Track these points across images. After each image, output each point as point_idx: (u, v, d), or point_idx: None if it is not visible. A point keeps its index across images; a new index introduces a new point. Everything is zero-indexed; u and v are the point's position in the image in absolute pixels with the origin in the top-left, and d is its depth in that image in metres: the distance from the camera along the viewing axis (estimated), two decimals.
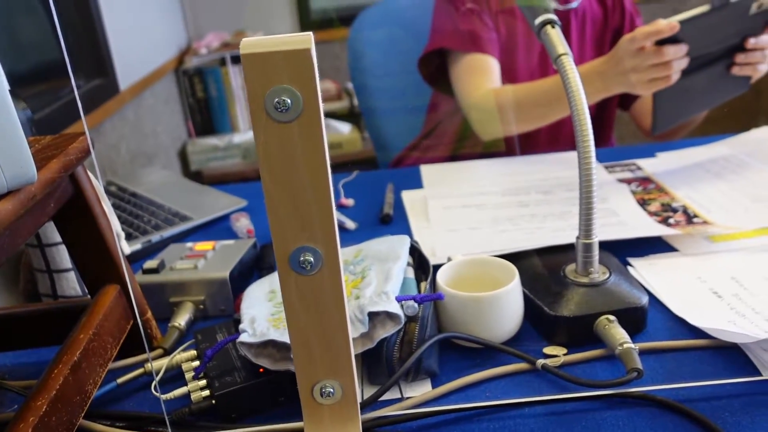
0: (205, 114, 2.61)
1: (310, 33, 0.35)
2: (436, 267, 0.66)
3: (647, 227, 0.80)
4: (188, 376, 0.58)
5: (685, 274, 0.71)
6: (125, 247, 0.81)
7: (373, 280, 0.59)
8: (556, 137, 1.23)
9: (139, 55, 2.07)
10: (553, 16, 0.67)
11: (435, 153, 1.30)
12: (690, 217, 0.84)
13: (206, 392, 0.56)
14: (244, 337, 0.54)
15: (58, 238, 0.74)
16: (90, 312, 0.56)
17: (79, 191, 0.58)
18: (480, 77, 1.13)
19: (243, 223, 0.93)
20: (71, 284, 0.76)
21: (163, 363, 0.61)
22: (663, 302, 0.67)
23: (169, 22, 2.48)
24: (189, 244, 0.82)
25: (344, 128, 2.56)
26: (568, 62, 0.63)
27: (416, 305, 0.57)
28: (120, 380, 0.60)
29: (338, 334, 0.42)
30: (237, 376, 0.56)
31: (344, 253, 0.69)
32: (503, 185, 1.00)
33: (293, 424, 0.53)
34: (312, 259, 0.39)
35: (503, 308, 0.61)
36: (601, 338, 0.59)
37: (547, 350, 0.61)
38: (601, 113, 1.27)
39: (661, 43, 0.87)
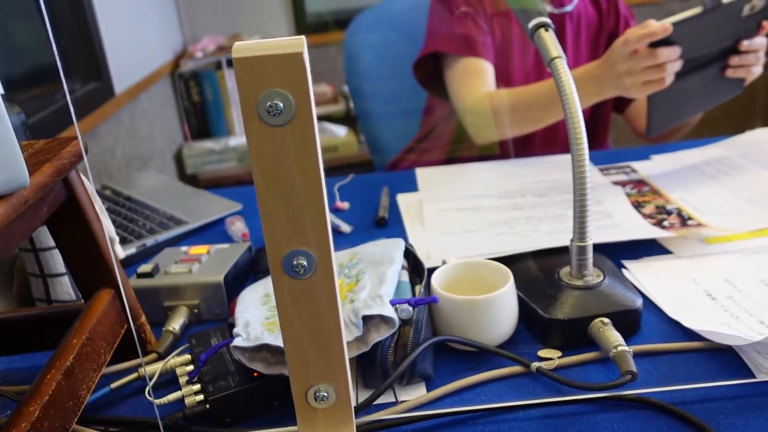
0: (201, 117, 2.61)
1: (303, 37, 0.35)
2: (431, 270, 0.66)
3: (642, 230, 0.80)
4: (182, 380, 0.58)
5: (679, 276, 0.71)
6: (119, 251, 0.81)
7: (368, 284, 0.59)
8: (551, 140, 1.23)
9: (135, 58, 2.07)
10: (546, 19, 0.67)
11: (430, 156, 1.30)
12: (684, 220, 0.84)
13: (200, 397, 0.55)
14: (238, 341, 0.54)
15: (51, 242, 0.73)
16: (83, 316, 0.56)
17: (72, 195, 0.58)
18: (475, 81, 1.14)
19: (238, 227, 0.93)
20: (65, 289, 0.76)
21: (157, 367, 0.61)
22: (657, 304, 0.67)
23: (164, 26, 2.48)
24: (184, 248, 0.82)
25: (340, 131, 2.56)
26: (562, 65, 0.63)
27: (411, 308, 0.57)
28: (114, 385, 0.60)
29: (332, 337, 0.41)
30: (231, 380, 0.56)
31: (339, 257, 0.69)
32: (498, 188, 1.00)
33: (287, 428, 0.53)
34: (305, 263, 0.39)
35: (498, 311, 0.61)
36: (595, 341, 0.59)
37: (542, 353, 0.61)
38: (596, 116, 1.27)
39: (655, 45, 0.87)
